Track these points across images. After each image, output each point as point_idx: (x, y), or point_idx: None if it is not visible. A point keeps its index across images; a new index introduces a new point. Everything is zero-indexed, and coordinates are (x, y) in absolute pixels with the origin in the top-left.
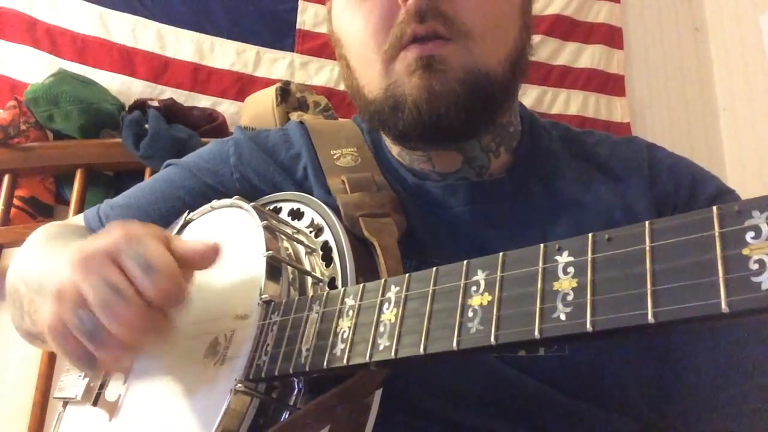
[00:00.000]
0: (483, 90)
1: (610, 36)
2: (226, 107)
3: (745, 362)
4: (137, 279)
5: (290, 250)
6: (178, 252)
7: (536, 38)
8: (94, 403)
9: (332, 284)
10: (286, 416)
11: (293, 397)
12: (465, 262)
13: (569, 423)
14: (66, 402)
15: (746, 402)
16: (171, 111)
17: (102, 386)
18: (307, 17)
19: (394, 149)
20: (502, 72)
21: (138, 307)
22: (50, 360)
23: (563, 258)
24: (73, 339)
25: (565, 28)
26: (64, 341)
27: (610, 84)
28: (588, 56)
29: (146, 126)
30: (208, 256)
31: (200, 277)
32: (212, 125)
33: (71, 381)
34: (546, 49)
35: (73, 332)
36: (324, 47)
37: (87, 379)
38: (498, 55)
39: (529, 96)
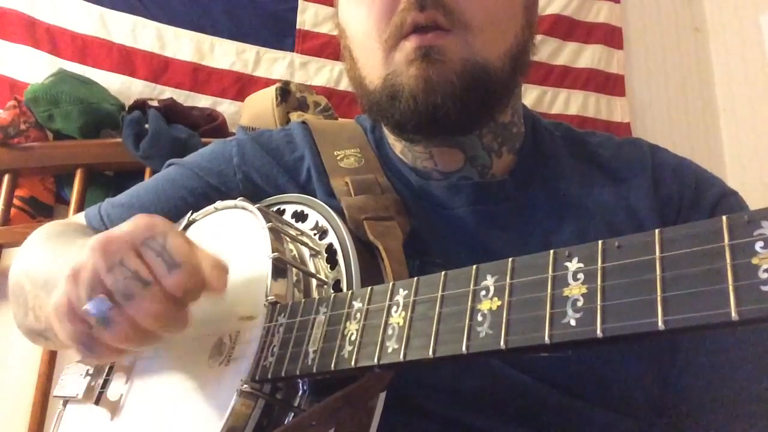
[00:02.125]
0: (480, 83)
1: (610, 36)
2: (226, 107)
3: (746, 363)
4: (160, 273)
5: (295, 252)
6: None
7: (536, 38)
8: (96, 402)
9: (337, 287)
10: (291, 418)
11: (298, 399)
12: (474, 266)
13: (569, 423)
14: (66, 401)
15: (747, 403)
16: (171, 111)
17: (104, 385)
18: (307, 17)
19: (397, 147)
20: (502, 67)
21: (164, 300)
22: (50, 359)
23: (573, 265)
24: (79, 321)
25: (565, 28)
26: (71, 322)
27: (610, 84)
28: (588, 56)
29: (146, 126)
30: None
31: None
32: (212, 125)
33: (72, 379)
34: (546, 49)
35: (83, 314)
36: (324, 47)
37: (88, 378)
38: (498, 49)
39: (529, 96)
